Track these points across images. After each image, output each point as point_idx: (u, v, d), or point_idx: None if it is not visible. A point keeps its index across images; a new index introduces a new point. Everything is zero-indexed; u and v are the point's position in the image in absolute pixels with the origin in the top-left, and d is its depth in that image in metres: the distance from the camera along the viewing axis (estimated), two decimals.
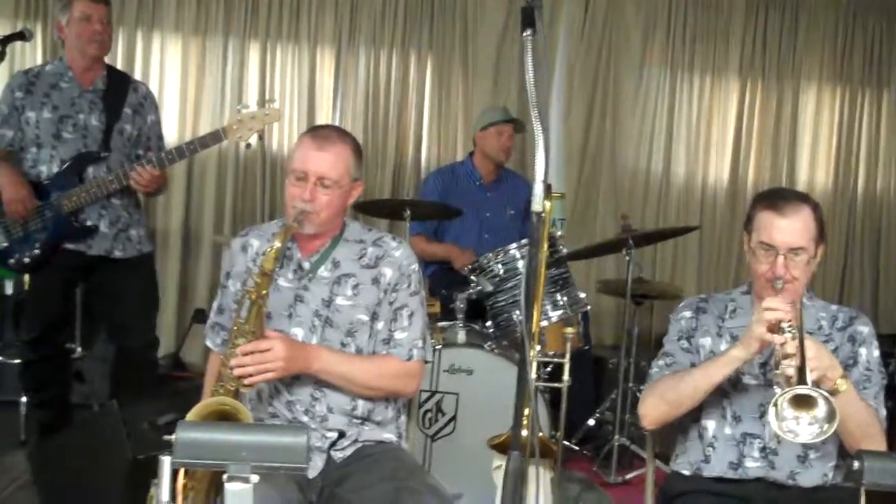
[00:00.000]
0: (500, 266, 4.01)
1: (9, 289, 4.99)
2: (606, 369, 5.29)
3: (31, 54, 5.70)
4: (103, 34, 3.93)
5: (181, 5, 5.89)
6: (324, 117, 6.04)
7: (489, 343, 3.99)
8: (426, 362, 2.75)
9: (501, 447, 3.16)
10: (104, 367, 4.50)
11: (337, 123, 6.01)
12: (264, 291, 2.51)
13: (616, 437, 4.49)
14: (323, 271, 2.67)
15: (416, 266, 2.72)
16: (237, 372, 2.47)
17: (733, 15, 6.42)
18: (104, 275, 4.04)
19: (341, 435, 2.65)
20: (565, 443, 4.51)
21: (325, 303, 2.65)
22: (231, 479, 1.52)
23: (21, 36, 3.55)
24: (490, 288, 4.03)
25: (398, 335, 2.67)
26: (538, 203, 1.79)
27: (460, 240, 4.83)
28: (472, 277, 4.09)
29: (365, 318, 2.66)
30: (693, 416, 2.65)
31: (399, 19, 6.04)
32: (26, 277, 4.29)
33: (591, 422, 4.83)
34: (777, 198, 2.59)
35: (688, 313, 2.74)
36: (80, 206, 3.86)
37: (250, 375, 2.47)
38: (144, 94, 4.10)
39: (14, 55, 5.62)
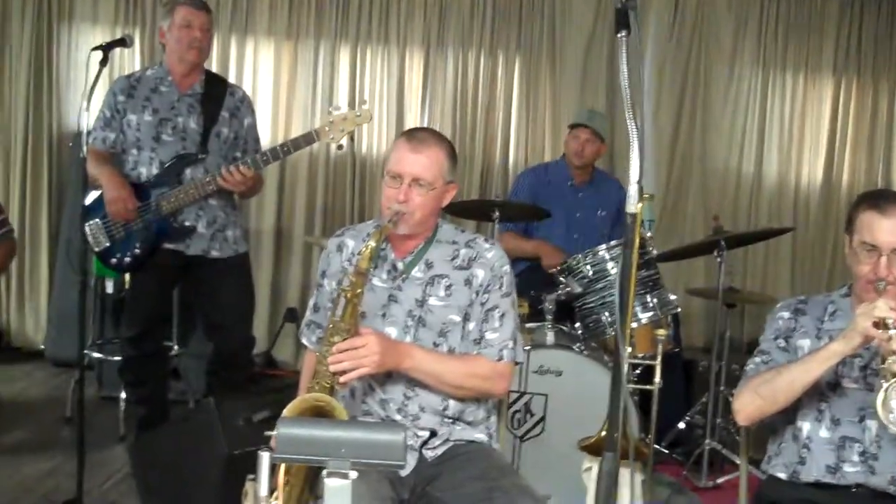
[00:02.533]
0: (589, 268, 4.01)
1: (109, 288, 5.13)
2: (697, 372, 5.22)
3: (129, 60, 5.86)
4: (203, 41, 4.03)
5: (274, 10, 6.00)
6: (413, 119, 6.10)
7: (578, 345, 3.98)
8: (516, 363, 2.76)
9: (592, 449, 3.16)
10: (201, 364, 4.60)
11: (425, 125, 6.05)
12: (359, 290, 2.54)
13: (707, 440, 4.44)
14: (416, 272, 2.71)
15: (508, 268, 2.74)
16: (333, 368, 2.51)
17: (827, 10, 6.26)
18: (201, 274, 4.14)
19: (433, 434, 2.68)
20: (655, 446, 4.49)
21: (419, 303, 2.69)
22: (330, 474, 1.55)
23: (122, 42, 3.66)
24: (579, 289, 4.02)
25: (489, 336, 2.68)
26: (632, 204, 1.78)
27: (549, 239, 4.82)
28: (561, 279, 4.08)
29: (457, 318, 2.68)
30: (788, 417, 2.62)
31: (487, 21, 6.06)
32: (127, 276, 4.42)
33: (682, 425, 4.78)
34: (880, 198, 2.56)
35: (786, 314, 2.71)
36: (179, 207, 3.97)
37: (345, 372, 2.51)
38: (241, 98, 4.20)
39: (114, 61, 5.79)
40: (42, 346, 5.96)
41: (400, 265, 2.72)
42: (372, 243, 2.54)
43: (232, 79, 5.84)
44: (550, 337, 3.99)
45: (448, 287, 2.69)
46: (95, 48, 3.59)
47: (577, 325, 4.11)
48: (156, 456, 3.80)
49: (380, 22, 6.03)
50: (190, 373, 5.08)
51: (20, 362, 5.89)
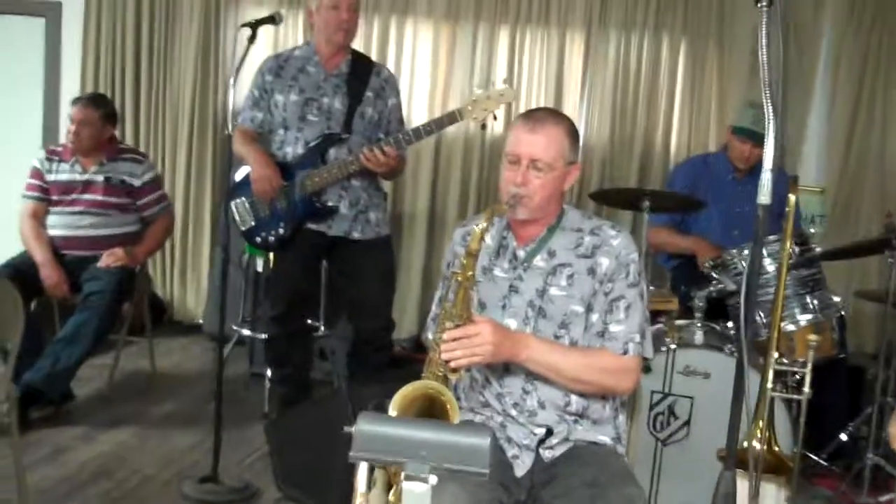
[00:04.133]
0: (744, 264, 3.74)
1: (260, 266, 5.22)
2: (865, 380, 4.84)
3: (292, 39, 5.94)
4: (349, 22, 4.00)
5: None
6: (572, 102, 5.93)
7: (729, 346, 3.73)
8: (644, 359, 2.57)
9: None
10: (346, 346, 4.60)
11: (585, 109, 5.90)
12: (470, 273, 2.42)
13: (869, 455, 4.09)
14: (539, 261, 2.57)
15: (635, 256, 2.55)
16: (445, 356, 2.40)
17: None
18: (343, 255, 4.13)
19: (549, 432, 2.53)
20: (813, 457, 4.19)
21: (539, 293, 2.54)
22: (409, 478, 1.44)
23: (271, 20, 3.67)
24: (733, 286, 3.78)
25: (613, 328, 2.51)
26: (765, 195, 1.59)
27: (705, 234, 4.56)
28: (714, 274, 3.84)
29: (579, 309, 2.53)
30: None
31: (651, 1, 5.81)
32: (272, 256, 4.46)
33: (843, 437, 4.44)
34: None
35: None
36: (322, 187, 3.96)
37: (458, 360, 2.40)
38: (386, 78, 4.15)
39: (277, 39, 5.88)
40: (201, 321, 6.14)
41: (521, 253, 2.59)
42: (483, 223, 2.42)
43: (391, 60, 5.86)
44: (699, 336, 3.76)
45: (570, 276, 2.54)
46: (244, 25, 3.62)
47: (730, 324, 3.85)
48: (292, 436, 3.81)
49: (540, 2, 5.89)
50: (335, 354, 5.09)
51: (180, 336, 6.09)
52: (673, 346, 3.58)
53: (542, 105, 5.91)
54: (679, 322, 3.86)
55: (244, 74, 3.93)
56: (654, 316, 3.96)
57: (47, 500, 3.62)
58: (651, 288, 4.26)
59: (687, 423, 3.68)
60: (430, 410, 2.43)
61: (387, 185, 5.84)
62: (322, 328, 5.08)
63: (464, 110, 3.75)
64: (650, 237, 4.58)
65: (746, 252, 3.76)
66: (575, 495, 2.37)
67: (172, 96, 6.13)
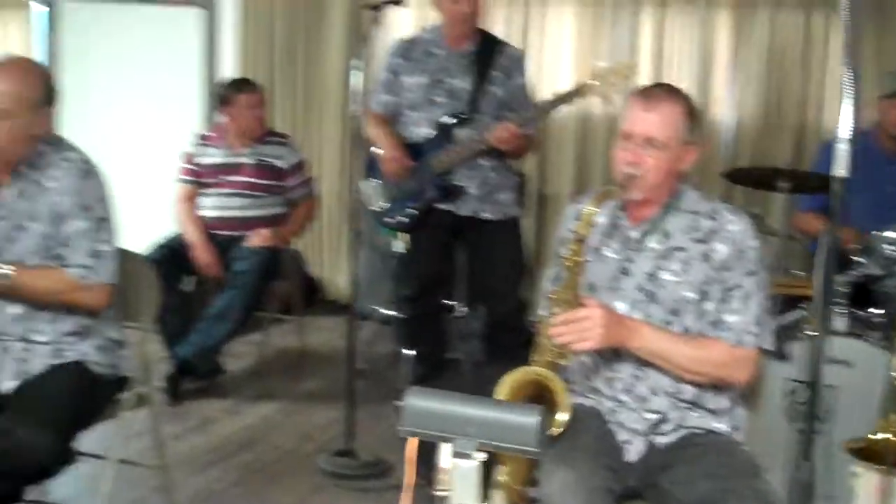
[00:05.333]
0: (891, 248, 3.53)
1: (398, 247, 5.28)
2: None
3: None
4: (471, 13, 4.02)
5: None
6: (718, 83, 5.72)
7: (874, 333, 3.53)
8: (763, 351, 2.47)
9: (861, 452, 2.79)
10: (480, 326, 4.61)
11: (732, 89, 5.68)
12: (579, 258, 2.40)
13: None
14: (652, 242, 2.50)
15: (755, 243, 2.45)
16: (556, 341, 2.38)
17: None
18: (473, 235, 4.15)
19: (662, 419, 2.47)
20: None
21: (649, 276, 2.48)
22: (456, 454, 1.43)
23: (395, 1, 3.69)
24: (880, 271, 3.57)
25: (728, 318, 2.42)
26: (841, 167, 1.48)
27: (855, 219, 4.31)
28: (858, 258, 3.64)
29: (692, 296, 2.45)
30: None
31: None
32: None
33: None
34: None
35: None
36: (450, 167, 3.99)
37: (567, 345, 2.37)
38: (514, 57, 4.14)
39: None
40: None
41: (634, 234, 2.52)
42: (592, 207, 2.38)
43: (532, 44, 5.81)
44: (841, 323, 3.57)
45: (684, 262, 2.46)
46: (368, 6, 3.66)
47: (875, 311, 3.64)
48: None
49: None
50: (473, 335, 5.11)
51: (332, 314, 6.25)
52: (813, 334, 3.41)
53: (687, 85, 5.73)
54: None
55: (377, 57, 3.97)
56: (795, 301, 3.80)
57: (192, 468, 3.81)
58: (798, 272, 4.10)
59: (827, 413, 3.50)
60: (539, 397, 2.42)
61: (529, 167, 5.83)
62: (461, 308, 5.09)
63: (587, 85, 3.68)
64: (797, 222, 4.38)
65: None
66: (699, 487, 2.31)
67: (322, 82, 6.28)
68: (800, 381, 3.50)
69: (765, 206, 4.99)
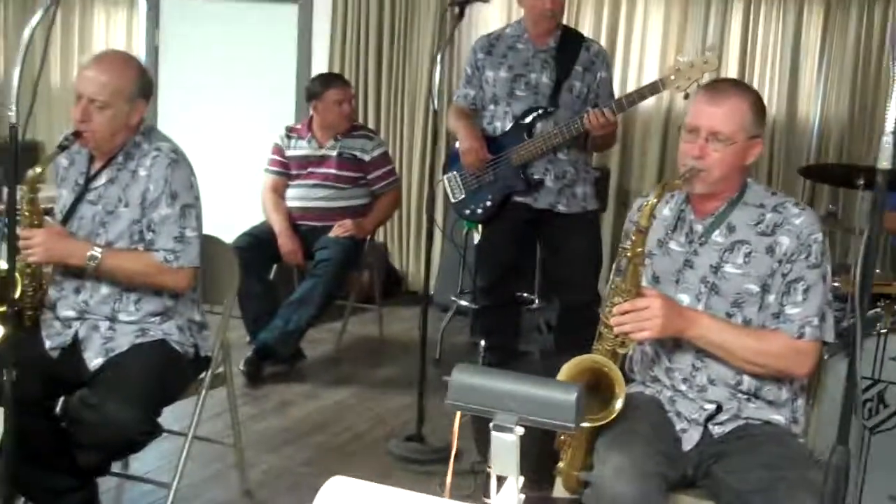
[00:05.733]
0: None
1: (477, 238, 5.35)
2: None
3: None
4: (554, 9, 4.05)
5: None
6: (807, 80, 5.64)
7: None
8: (825, 344, 2.47)
9: None
10: (554, 318, 4.65)
11: (822, 87, 5.58)
12: (639, 249, 2.43)
13: None
14: (717, 236, 2.51)
15: (819, 236, 2.44)
16: (616, 330, 2.42)
17: None
18: (549, 228, 4.19)
19: (719, 408, 2.48)
20: None
21: (713, 269, 2.49)
22: (497, 427, 1.50)
23: None
24: None
25: (789, 310, 2.42)
26: (886, 159, 1.49)
27: None
28: None
29: (755, 288, 2.45)
30: None
31: None
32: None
33: None
34: None
35: None
36: (528, 160, 4.04)
37: (627, 335, 2.41)
38: (596, 52, 4.16)
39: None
40: (432, 292, 6.37)
41: (699, 227, 2.54)
42: (652, 199, 2.40)
43: (620, 39, 5.82)
44: None
45: (748, 254, 2.47)
46: (452, 3, 3.73)
47: None
48: None
49: None
50: (547, 327, 5.15)
51: (412, 305, 6.34)
52: (883, 331, 3.38)
53: (776, 81, 5.68)
54: None
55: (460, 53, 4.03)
56: (875, 299, 3.74)
57: (267, 447, 3.93)
58: (878, 271, 4.03)
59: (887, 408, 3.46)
60: (597, 384, 2.46)
61: (613, 161, 5.84)
62: (538, 301, 5.14)
63: (667, 80, 3.69)
64: (888, 221, 4.31)
65: None
66: (752, 476, 2.32)
67: (411, 78, 6.37)
68: (869, 378, 3.47)
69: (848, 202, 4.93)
